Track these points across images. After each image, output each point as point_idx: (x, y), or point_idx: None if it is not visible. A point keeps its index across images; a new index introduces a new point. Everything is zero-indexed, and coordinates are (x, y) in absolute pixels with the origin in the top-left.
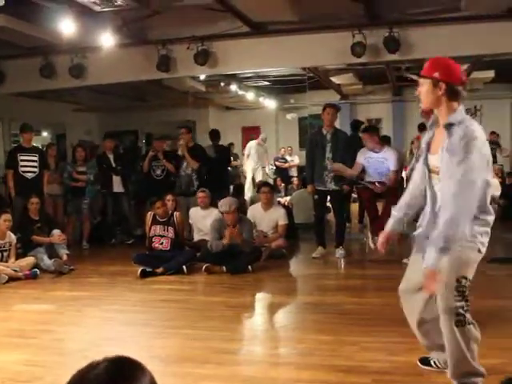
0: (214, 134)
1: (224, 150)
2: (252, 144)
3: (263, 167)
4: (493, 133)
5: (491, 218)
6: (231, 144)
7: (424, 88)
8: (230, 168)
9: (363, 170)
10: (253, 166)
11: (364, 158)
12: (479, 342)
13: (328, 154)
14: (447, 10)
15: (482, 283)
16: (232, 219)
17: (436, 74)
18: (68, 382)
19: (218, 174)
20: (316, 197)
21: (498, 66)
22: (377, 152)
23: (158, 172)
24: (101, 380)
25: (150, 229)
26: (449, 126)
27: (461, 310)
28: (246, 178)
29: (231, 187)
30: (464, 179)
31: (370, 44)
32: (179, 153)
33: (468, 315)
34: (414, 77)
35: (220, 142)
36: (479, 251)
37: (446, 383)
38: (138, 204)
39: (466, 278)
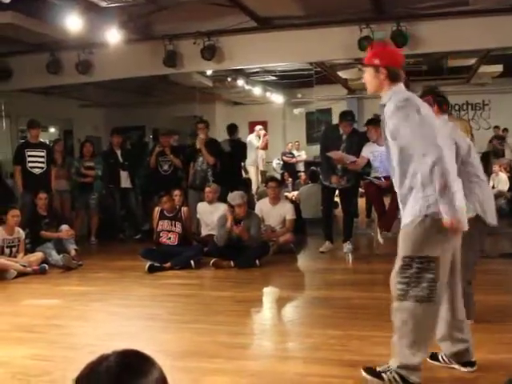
0: (232, 129)
1: (239, 145)
2: (252, 137)
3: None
4: (496, 127)
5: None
6: (239, 139)
7: (367, 75)
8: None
9: (369, 164)
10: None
11: (370, 151)
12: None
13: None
14: (455, 4)
15: (491, 279)
16: (243, 211)
17: (376, 61)
18: (79, 374)
19: (231, 168)
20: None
21: (506, 60)
22: (382, 145)
23: (166, 167)
24: (112, 372)
25: (158, 224)
26: (382, 107)
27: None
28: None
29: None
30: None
31: (378, 38)
32: (198, 146)
33: (412, 292)
34: (360, 66)
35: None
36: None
37: (453, 378)
38: (146, 199)
39: (407, 258)
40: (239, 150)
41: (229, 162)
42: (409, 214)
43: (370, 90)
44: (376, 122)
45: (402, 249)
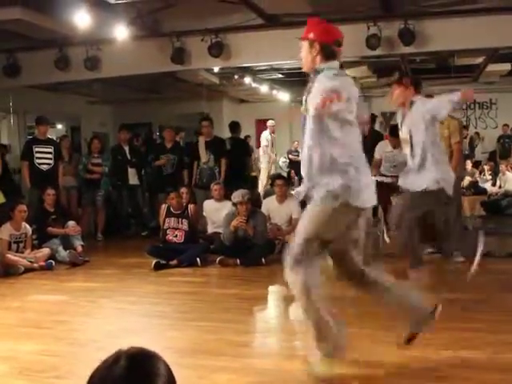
0: (233, 127)
1: (239, 143)
2: (266, 134)
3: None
4: (505, 125)
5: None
6: (247, 136)
7: (303, 50)
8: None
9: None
10: (272, 158)
11: (382, 151)
12: None
13: None
14: (463, 2)
15: (497, 279)
16: (245, 210)
17: (311, 35)
18: (89, 381)
19: (234, 166)
20: None
21: None
22: (396, 149)
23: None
24: (126, 376)
25: (164, 221)
26: (313, 77)
27: None
28: (260, 170)
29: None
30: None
31: (385, 36)
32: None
33: None
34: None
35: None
36: None
37: (464, 378)
38: (153, 196)
39: None
40: (239, 147)
41: (231, 159)
42: None
43: (304, 67)
44: (395, 131)
45: None
